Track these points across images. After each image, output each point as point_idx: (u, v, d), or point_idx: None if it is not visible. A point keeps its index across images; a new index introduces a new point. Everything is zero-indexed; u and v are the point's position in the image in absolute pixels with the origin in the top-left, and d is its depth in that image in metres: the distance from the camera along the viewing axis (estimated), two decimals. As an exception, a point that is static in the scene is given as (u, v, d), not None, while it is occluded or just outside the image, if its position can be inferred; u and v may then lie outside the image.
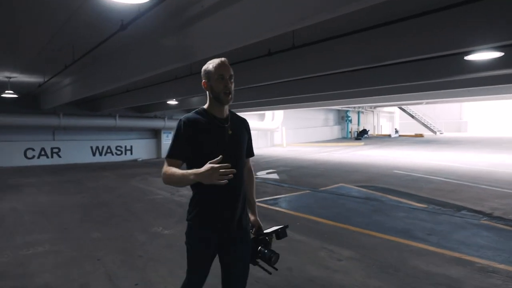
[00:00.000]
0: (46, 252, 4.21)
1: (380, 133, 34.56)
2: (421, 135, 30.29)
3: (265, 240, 2.03)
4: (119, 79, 6.31)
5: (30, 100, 13.58)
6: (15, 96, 10.27)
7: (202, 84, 1.92)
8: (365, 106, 29.02)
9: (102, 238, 4.74)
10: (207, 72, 1.89)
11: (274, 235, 2.05)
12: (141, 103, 12.57)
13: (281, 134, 23.05)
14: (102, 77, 7.06)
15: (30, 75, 8.91)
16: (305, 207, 6.59)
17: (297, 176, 10.55)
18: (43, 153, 14.48)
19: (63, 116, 13.86)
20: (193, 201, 1.92)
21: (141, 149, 17.35)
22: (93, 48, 5.44)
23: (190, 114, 1.91)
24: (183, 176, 1.71)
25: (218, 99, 1.88)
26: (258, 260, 2.02)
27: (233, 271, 1.96)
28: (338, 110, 29.57)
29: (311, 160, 14.96)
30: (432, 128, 33.23)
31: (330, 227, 5.26)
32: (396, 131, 32.48)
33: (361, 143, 24.22)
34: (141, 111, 16.81)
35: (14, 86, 10.07)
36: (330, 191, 8.08)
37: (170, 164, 1.81)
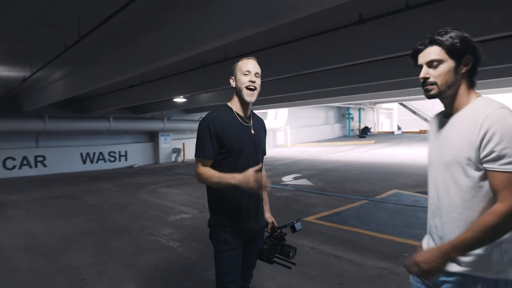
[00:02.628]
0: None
1: (381, 130, 33.53)
2: (426, 131, 29.17)
3: (280, 236, 2.05)
4: (148, 60, 4.62)
5: (7, 102, 11.61)
6: (-9, 94, 8.36)
7: (230, 81, 1.91)
8: (365, 102, 27.89)
9: (143, 296, 3.11)
10: (237, 68, 1.89)
11: (289, 227, 2.08)
12: (142, 101, 10.83)
13: (285, 133, 21.57)
14: (115, 63, 5.36)
15: (12, 67, 7.07)
16: (387, 225, 5.11)
17: (333, 181, 9.08)
18: (25, 162, 12.48)
19: (48, 119, 11.92)
20: (215, 205, 1.93)
21: (136, 155, 15.52)
22: (112, 16, 3.79)
23: (217, 112, 1.89)
24: (220, 179, 1.74)
25: (241, 95, 1.87)
26: (275, 259, 2.03)
27: (249, 261, 2.02)
28: (339, 107, 28.30)
29: (333, 162, 13.54)
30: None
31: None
32: (399, 128, 31.47)
33: (370, 141, 23.03)
34: (137, 112, 15.01)
35: (-11, 84, 8.20)
36: (391, 201, 6.66)
37: (203, 165, 1.83)
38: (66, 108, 12.97)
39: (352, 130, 29.20)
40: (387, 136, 28.05)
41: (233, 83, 1.90)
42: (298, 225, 2.08)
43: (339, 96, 11.97)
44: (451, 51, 1.27)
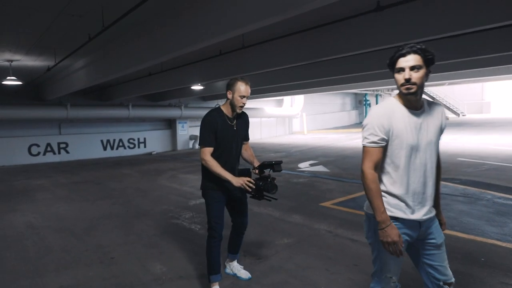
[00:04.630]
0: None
1: (398, 117, 32.86)
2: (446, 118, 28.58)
3: (265, 178, 2.59)
4: (170, 49, 4.73)
5: (31, 90, 12.05)
6: (18, 83, 8.68)
7: (227, 93, 2.66)
8: (382, 89, 27.44)
9: (173, 277, 3.30)
10: (235, 88, 2.62)
11: (270, 171, 2.66)
12: (160, 89, 11.00)
13: (301, 120, 21.54)
14: (137, 52, 5.50)
15: (37, 56, 7.33)
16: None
17: (350, 168, 9.13)
18: (49, 149, 12.99)
19: (70, 107, 12.31)
20: (208, 176, 2.71)
21: (155, 141, 15.86)
22: (136, 6, 3.90)
23: (213, 113, 2.68)
24: (221, 175, 2.55)
25: (234, 107, 2.68)
26: (265, 196, 2.59)
27: (240, 209, 2.93)
28: (356, 94, 27.97)
29: (349, 149, 13.53)
30: (455, 110, 31.63)
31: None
32: (416, 114, 30.77)
33: (387, 128, 22.68)
34: (155, 100, 15.26)
35: (15, 73, 8.51)
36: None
37: (208, 152, 2.62)
38: (87, 96, 13.33)
39: (368, 116, 28.80)
40: (405, 123, 27.52)
41: (229, 96, 2.65)
42: (277, 167, 2.59)
43: (357, 82, 11.88)
44: (426, 60, 1.64)
